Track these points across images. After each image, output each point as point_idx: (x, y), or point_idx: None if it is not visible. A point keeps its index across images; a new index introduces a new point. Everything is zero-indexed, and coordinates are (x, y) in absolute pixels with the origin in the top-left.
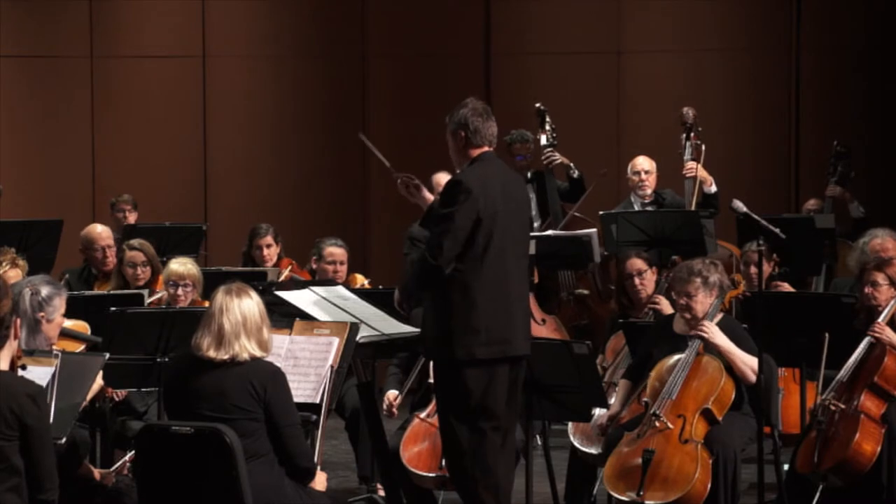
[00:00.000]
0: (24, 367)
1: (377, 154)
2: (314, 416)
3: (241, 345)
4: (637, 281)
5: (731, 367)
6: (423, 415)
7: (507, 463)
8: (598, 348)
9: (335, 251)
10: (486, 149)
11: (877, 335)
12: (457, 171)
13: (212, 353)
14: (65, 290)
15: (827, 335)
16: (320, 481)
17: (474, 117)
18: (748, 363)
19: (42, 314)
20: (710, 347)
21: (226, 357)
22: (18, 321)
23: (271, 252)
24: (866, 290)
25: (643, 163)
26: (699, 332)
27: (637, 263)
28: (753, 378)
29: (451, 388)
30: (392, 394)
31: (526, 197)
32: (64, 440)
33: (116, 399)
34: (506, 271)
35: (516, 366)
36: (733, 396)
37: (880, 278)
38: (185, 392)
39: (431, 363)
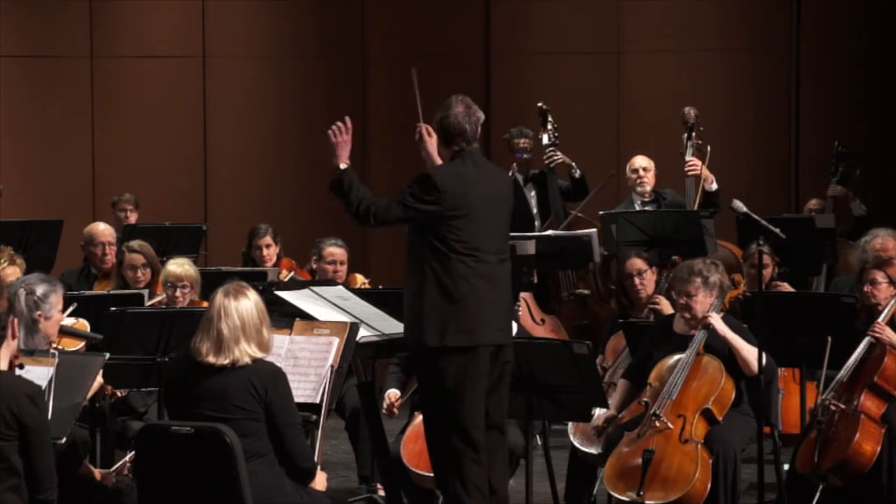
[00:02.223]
0: (21, 367)
1: (418, 98)
2: (314, 416)
3: (241, 350)
4: (637, 281)
5: (731, 368)
6: None
7: (498, 462)
8: (599, 348)
9: (335, 251)
10: (465, 147)
11: (877, 335)
12: (438, 163)
13: (211, 359)
14: (61, 286)
15: (830, 339)
16: (320, 481)
17: (459, 119)
18: (753, 351)
19: (39, 312)
20: (714, 341)
21: (226, 362)
22: (16, 320)
23: (271, 252)
24: (865, 288)
25: (641, 160)
26: (706, 322)
27: (637, 263)
28: (756, 367)
29: (427, 378)
30: (394, 393)
31: (507, 193)
32: (64, 440)
33: (118, 395)
34: (481, 266)
35: (497, 360)
36: (733, 397)
37: (879, 277)
38: (185, 394)
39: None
